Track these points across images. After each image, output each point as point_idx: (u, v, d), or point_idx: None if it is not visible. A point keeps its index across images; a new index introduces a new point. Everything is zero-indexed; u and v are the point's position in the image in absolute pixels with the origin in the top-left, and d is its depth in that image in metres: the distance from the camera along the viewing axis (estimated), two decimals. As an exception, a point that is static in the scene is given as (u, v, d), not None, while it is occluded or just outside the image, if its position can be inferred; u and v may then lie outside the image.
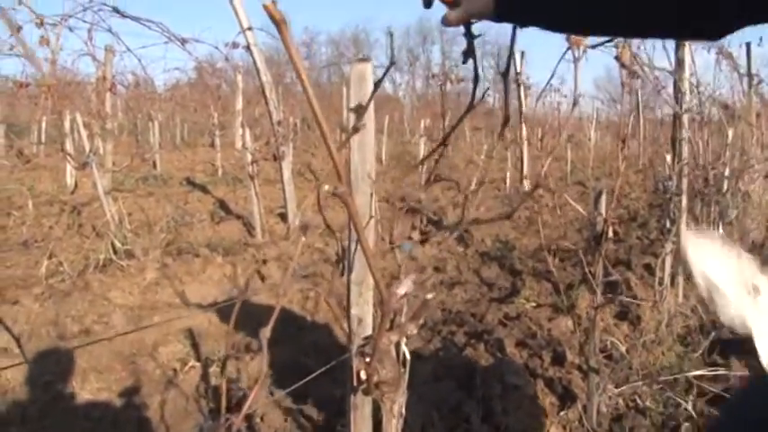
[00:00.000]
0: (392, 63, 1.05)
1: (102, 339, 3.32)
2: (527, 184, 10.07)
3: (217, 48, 5.99)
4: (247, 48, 5.94)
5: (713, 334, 3.48)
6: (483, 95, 1.33)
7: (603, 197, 2.42)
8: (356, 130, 1.12)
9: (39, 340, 3.53)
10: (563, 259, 5.48)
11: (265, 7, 0.67)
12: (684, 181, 3.97)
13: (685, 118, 4.00)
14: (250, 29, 6.00)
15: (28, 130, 16.41)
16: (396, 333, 1.14)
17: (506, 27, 1.17)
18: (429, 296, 1.12)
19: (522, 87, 10.20)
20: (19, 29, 4.42)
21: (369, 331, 1.42)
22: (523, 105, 10.54)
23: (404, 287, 1.03)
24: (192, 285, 4.46)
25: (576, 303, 3.85)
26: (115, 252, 4.90)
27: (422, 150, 9.87)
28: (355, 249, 1.40)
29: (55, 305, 3.91)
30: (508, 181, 11.08)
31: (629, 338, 3.51)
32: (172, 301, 4.25)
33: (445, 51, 59.91)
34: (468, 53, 1.16)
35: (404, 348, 1.26)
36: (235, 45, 6.13)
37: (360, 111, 1.11)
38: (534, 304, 4.10)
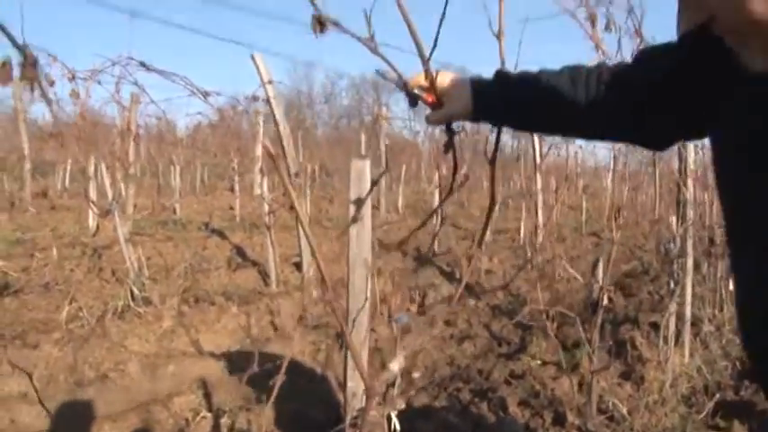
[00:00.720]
0: (386, 170, 1.19)
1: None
2: (541, 236, 10.14)
3: (237, 100, 6.19)
4: (267, 101, 6.16)
5: (717, 395, 3.53)
6: (463, 184, 1.49)
7: (600, 265, 2.52)
8: (354, 220, 1.25)
9: (56, 386, 3.66)
10: (569, 316, 5.54)
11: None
12: (689, 242, 4.05)
13: (690, 181, 4.10)
14: (270, 82, 6.22)
15: (53, 170, 16.80)
16: (386, 406, 1.24)
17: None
18: (416, 375, 1.23)
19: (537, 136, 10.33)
20: (52, 83, 4.64)
21: (363, 404, 1.53)
22: (538, 155, 10.66)
23: (395, 364, 1.14)
24: (207, 334, 4.59)
25: (580, 363, 3.91)
26: (133, 299, 5.04)
27: (436, 200, 10.00)
28: (351, 331, 1.51)
29: (73, 351, 4.05)
30: (522, 231, 11.16)
31: (632, 398, 3.55)
32: (187, 350, 4.37)
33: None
34: (449, 146, 1.33)
35: (394, 421, 1.37)
36: (255, 98, 6.35)
37: (359, 204, 1.24)
38: (540, 362, 4.16)
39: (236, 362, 4.01)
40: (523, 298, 6.55)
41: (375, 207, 13.95)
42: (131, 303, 4.96)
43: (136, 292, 5.10)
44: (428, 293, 6.48)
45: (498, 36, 1.45)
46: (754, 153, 0.84)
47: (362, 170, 1.36)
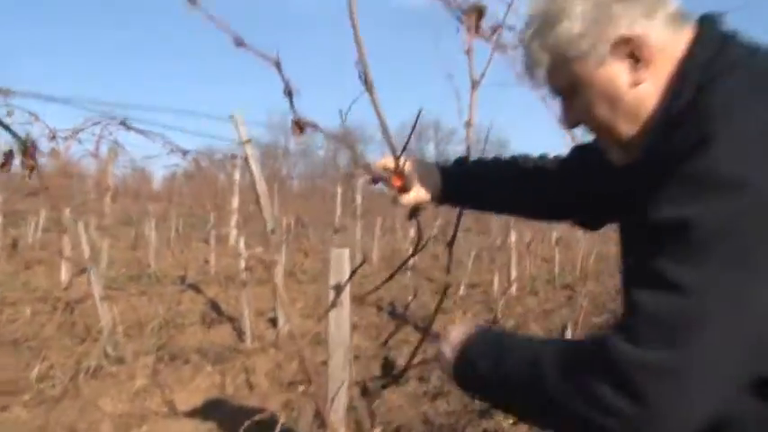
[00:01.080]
0: (363, 261, 1.28)
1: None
2: (514, 289, 10.26)
3: (220, 160, 6.29)
4: (245, 160, 6.25)
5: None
6: (426, 243, 1.61)
7: (569, 329, 2.60)
8: (334, 305, 1.32)
9: (27, 449, 3.62)
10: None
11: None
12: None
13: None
14: (249, 141, 6.33)
15: (25, 220, 16.64)
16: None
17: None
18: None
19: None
20: (33, 144, 4.68)
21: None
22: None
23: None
24: (182, 394, 4.56)
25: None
26: (107, 357, 5.01)
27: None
28: (329, 411, 1.57)
29: (45, 412, 4.01)
30: (496, 284, 11.25)
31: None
32: (160, 410, 4.34)
33: (440, 149, 61.49)
34: (413, 215, 1.45)
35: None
36: (233, 156, 6.45)
37: (338, 290, 1.32)
38: (511, 422, 4.20)
39: (210, 421, 4.00)
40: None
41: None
42: (104, 362, 4.93)
43: (109, 350, 5.07)
44: (403, 350, 6.51)
45: (468, 124, 1.56)
46: (620, 240, 1.08)
47: (341, 257, 1.44)
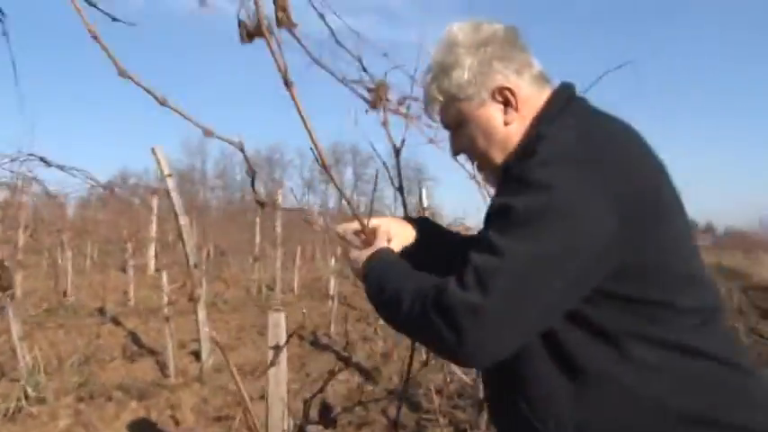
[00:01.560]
0: (287, 341, 1.46)
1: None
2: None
3: (138, 197, 6.31)
4: (167, 193, 6.31)
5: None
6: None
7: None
8: (272, 364, 1.50)
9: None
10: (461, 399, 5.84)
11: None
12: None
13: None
14: (170, 176, 6.40)
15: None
16: None
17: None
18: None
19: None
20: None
21: None
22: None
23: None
24: (106, 432, 4.58)
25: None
26: (27, 398, 4.95)
27: (332, 285, 10.22)
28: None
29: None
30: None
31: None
32: (84, 451, 4.34)
33: (358, 173, 61.92)
34: None
35: None
36: (154, 191, 6.50)
37: (277, 350, 1.50)
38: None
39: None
40: (418, 381, 6.80)
41: (270, 288, 14.03)
42: (24, 403, 4.87)
43: (29, 391, 5.01)
44: (329, 381, 6.65)
45: (400, 190, 1.78)
46: None
47: (278, 321, 1.63)
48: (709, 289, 1.31)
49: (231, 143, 1.45)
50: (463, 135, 1.43)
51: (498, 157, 1.40)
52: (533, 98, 1.38)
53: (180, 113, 1.36)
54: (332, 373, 3.62)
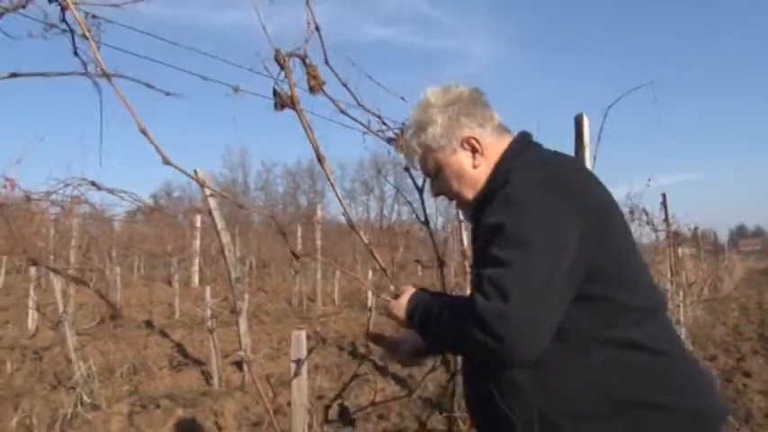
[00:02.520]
0: (318, 341, 1.71)
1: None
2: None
3: (183, 214, 6.62)
4: (209, 213, 6.63)
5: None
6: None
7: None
8: (296, 375, 1.74)
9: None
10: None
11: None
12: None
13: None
14: (212, 195, 6.71)
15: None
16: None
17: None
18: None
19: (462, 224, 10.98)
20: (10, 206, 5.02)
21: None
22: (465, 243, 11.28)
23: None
24: (155, 437, 4.87)
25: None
26: (82, 404, 5.28)
27: (370, 296, 10.42)
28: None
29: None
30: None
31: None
32: (136, 454, 4.64)
33: (399, 184, 62.09)
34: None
35: None
36: (198, 210, 6.80)
37: (299, 363, 1.74)
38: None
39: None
40: (452, 389, 6.98)
41: (311, 300, 14.34)
42: (80, 410, 5.20)
43: (85, 398, 5.34)
44: (363, 388, 6.88)
45: (426, 224, 1.99)
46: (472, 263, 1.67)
47: (300, 338, 1.88)
48: (650, 289, 1.61)
49: (185, 173, 1.67)
50: (441, 179, 1.72)
51: (470, 194, 1.69)
52: (495, 145, 1.68)
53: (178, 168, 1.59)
54: (355, 376, 3.83)
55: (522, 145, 1.68)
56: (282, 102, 1.68)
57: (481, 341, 1.37)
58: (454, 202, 1.82)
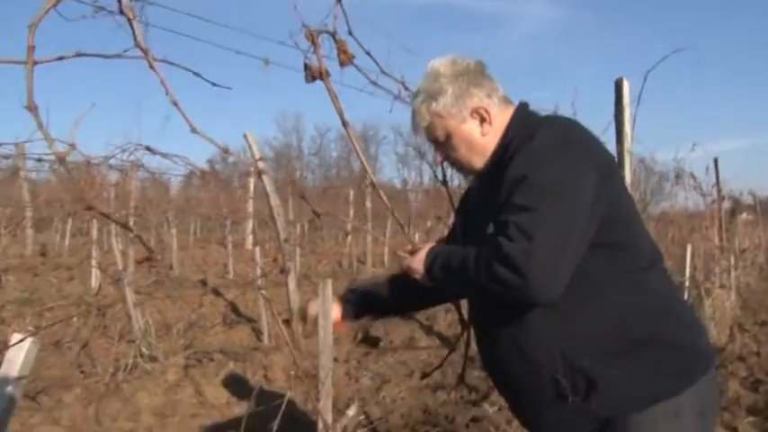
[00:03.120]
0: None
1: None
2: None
3: (233, 179, 6.87)
4: (259, 175, 6.87)
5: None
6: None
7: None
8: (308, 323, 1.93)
9: (81, 435, 4.26)
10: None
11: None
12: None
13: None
14: (262, 159, 6.94)
15: (50, 221, 17.32)
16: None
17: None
18: (350, 412, 1.88)
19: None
20: (72, 169, 5.33)
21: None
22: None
23: (351, 411, 1.80)
24: (208, 387, 5.18)
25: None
26: (141, 356, 5.64)
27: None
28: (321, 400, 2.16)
29: (93, 404, 4.64)
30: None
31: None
32: (190, 402, 4.96)
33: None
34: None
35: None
36: (248, 174, 7.05)
37: (325, 312, 1.92)
38: (497, 408, 4.78)
39: (235, 411, 4.62)
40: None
41: (361, 261, 14.62)
42: (140, 360, 5.56)
43: (144, 350, 5.70)
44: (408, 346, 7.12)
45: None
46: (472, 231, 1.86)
47: (326, 287, 2.08)
48: (650, 239, 1.77)
49: (214, 143, 1.82)
50: (449, 147, 1.83)
51: (478, 162, 1.81)
52: (501, 114, 1.80)
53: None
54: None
55: (525, 113, 1.82)
56: (312, 74, 1.83)
57: (505, 279, 1.47)
58: (455, 169, 1.94)
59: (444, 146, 1.84)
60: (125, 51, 1.39)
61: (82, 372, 5.58)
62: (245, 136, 6.90)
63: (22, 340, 1.63)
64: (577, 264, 1.54)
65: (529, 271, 1.45)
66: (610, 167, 1.68)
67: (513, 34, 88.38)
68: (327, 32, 1.85)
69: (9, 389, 1.63)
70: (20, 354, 1.63)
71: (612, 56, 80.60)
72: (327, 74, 1.83)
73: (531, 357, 1.63)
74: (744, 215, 17.08)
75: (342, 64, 1.93)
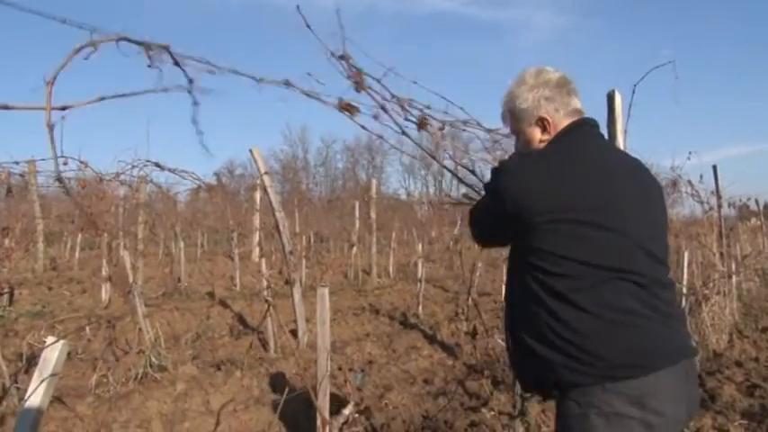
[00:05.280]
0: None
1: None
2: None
3: (240, 192, 7.07)
4: (264, 189, 7.06)
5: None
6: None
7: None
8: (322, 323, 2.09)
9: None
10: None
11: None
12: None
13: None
14: (267, 173, 7.14)
15: (60, 235, 17.57)
16: (343, 435, 2.05)
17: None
18: (345, 411, 2.04)
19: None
20: (85, 185, 5.55)
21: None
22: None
23: (347, 410, 1.96)
24: (216, 395, 5.34)
25: (527, 410, 4.67)
26: (151, 366, 5.81)
27: (420, 269, 10.72)
28: (318, 397, 2.32)
29: (105, 412, 4.82)
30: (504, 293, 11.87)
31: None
32: (199, 409, 5.13)
33: (457, 159, 61.85)
34: None
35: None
36: (254, 188, 7.25)
37: (323, 317, 2.08)
38: (493, 413, 4.92)
39: (242, 419, 4.78)
40: (497, 356, 7.30)
41: (366, 272, 14.78)
42: (150, 370, 5.74)
43: (153, 360, 5.87)
44: (410, 354, 7.26)
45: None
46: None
47: (324, 294, 2.23)
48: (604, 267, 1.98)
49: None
50: (517, 141, 2.23)
51: None
52: (560, 126, 2.10)
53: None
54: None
55: (563, 131, 2.09)
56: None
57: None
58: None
59: (515, 137, 2.24)
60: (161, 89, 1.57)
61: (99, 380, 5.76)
62: (250, 151, 7.10)
63: (55, 342, 1.84)
64: (552, 286, 1.89)
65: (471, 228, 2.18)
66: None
67: (518, 42, 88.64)
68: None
69: (46, 384, 1.87)
70: (53, 353, 1.85)
71: (615, 65, 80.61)
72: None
73: (538, 350, 1.94)
74: (753, 220, 17.19)
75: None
